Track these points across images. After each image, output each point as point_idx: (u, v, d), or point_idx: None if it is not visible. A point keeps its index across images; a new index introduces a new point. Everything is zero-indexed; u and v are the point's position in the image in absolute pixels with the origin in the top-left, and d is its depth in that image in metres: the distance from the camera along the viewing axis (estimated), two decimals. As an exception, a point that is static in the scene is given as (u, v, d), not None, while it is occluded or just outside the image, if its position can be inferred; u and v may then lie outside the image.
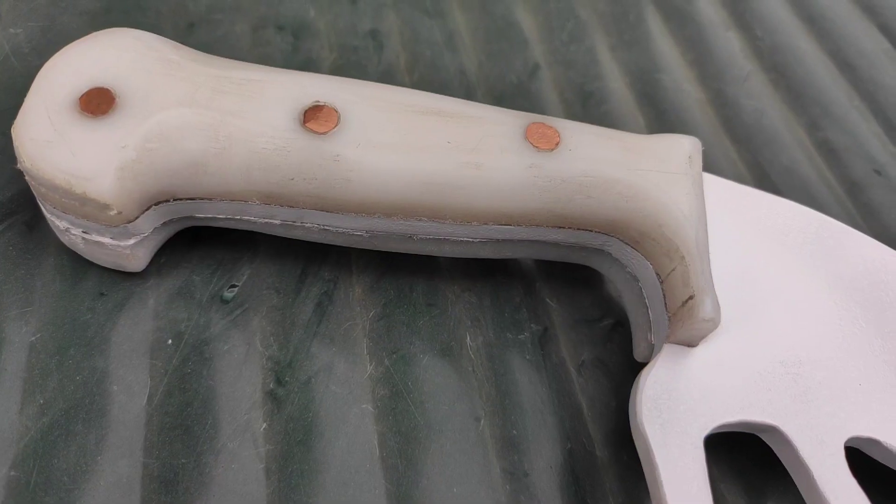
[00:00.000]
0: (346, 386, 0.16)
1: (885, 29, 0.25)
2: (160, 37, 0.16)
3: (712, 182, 0.17)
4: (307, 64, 0.21)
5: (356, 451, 0.15)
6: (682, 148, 0.16)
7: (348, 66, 0.21)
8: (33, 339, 0.15)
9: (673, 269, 0.15)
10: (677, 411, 0.14)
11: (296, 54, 0.21)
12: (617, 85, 0.23)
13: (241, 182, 0.15)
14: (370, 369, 0.17)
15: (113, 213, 0.14)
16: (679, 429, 0.14)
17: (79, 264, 0.16)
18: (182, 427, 0.15)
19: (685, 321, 0.15)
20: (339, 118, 0.15)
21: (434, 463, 0.16)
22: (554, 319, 0.18)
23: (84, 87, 0.15)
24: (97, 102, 0.15)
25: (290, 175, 0.15)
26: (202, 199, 0.15)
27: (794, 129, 0.22)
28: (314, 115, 0.15)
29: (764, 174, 0.21)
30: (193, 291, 0.17)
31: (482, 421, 0.16)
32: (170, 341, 0.16)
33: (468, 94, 0.21)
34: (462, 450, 0.16)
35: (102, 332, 0.16)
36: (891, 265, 0.17)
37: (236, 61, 0.16)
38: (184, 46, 0.16)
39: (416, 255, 0.18)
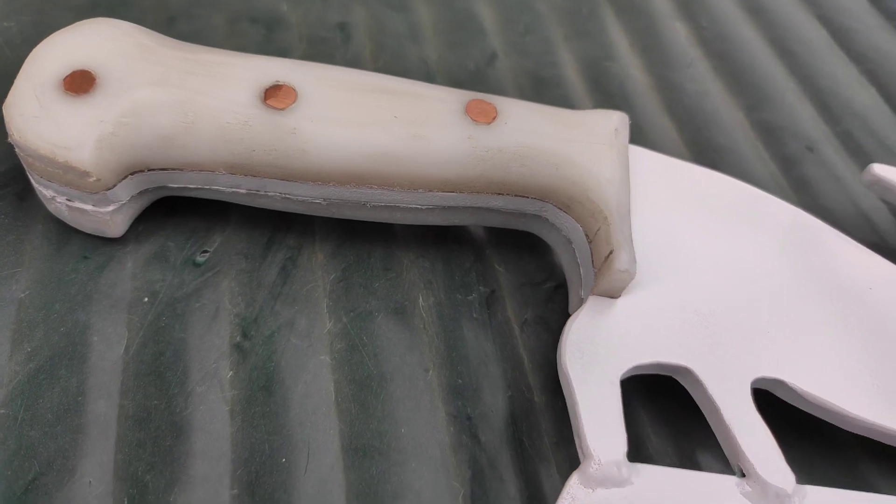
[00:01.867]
0: (306, 339, 0.18)
1: (823, 19, 0.26)
2: (137, 25, 0.18)
3: (642, 154, 0.19)
4: (278, 53, 0.23)
5: (313, 396, 0.17)
6: (609, 122, 0.18)
7: (317, 55, 0.23)
8: (22, 295, 0.17)
9: (598, 229, 0.17)
10: (597, 354, 0.16)
11: (268, 45, 0.23)
12: (569, 72, 0.24)
13: (208, 153, 0.17)
14: (329, 325, 0.18)
15: (92, 179, 0.16)
16: (598, 369, 0.16)
17: (64, 231, 0.18)
18: (155, 373, 0.17)
19: (605, 273, 0.16)
20: (296, 96, 0.17)
21: (384, 407, 0.17)
22: (501, 282, 0.20)
23: (68, 69, 0.17)
24: (79, 83, 0.16)
25: (252, 147, 0.17)
26: (173, 169, 0.17)
27: (733, 110, 0.24)
28: (274, 94, 0.17)
29: (703, 151, 0.23)
30: (168, 256, 0.18)
31: (430, 371, 0.18)
32: (146, 299, 0.18)
33: (428, 80, 0.23)
34: (410, 396, 0.18)
35: (85, 290, 0.17)
36: (803, 224, 0.19)
37: (205, 47, 0.18)
38: (158, 34, 0.18)
39: (374, 224, 0.20)
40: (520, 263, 0.20)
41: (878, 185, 0.20)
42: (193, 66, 0.17)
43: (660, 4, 0.27)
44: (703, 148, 0.23)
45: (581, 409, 0.15)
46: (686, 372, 0.16)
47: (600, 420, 0.15)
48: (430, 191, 0.18)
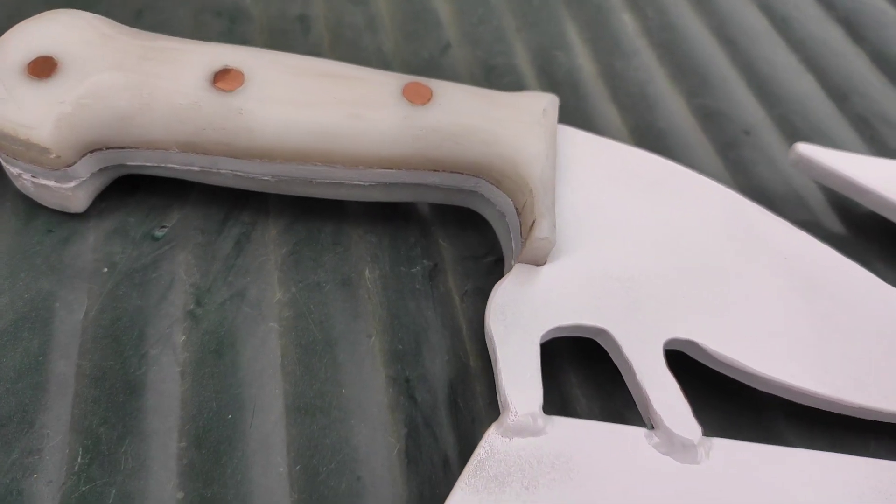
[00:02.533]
0: (256, 308, 0.19)
1: (765, 8, 0.28)
2: (97, 15, 0.19)
3: (573, 134, 0.20)
4: (240, 44, 0.24)
5: (260, 360, 0.18)
6: (538, 103, 0.19)
7: (277, 46, 0.24)
8: (-10, 266, 0.18)
9: (525, 202, 0.18)
10: (519, 316, 0.17)
11: (231, 36, 0.24)
12: (519, 61, 0.25)
13: (162, 132, 0.18)
14: (279, 295, 0.19)
15: (52, 156, 0.17)
16: (519, 329, 0.17)
17: (31, 207, 0.19)
18: (111, 337, 0.18)
19: (528, 242, 0.17)
20: (244, 79, 0.18)
21: (327, 370, 0.18)
22: (444, 256, 0.21)
23: (32, 55, 0.18)
24: (42, 67, 0.18)
25: (201, 126, 0.18)
26: (130, 147, 0.18)
27: (675, 96, 0.25)
28: (223, 77, 0.18)
29: (644, 135, 0.24)
30: (128, 230, 0.20)
31: (373, 338, 0.19)
32: (105, 269, 0.19)
33: (384, 69, 0.24)
34: (353, 360, 0.19)
35: (48, 261, 0.19)
36: (724, 199, 0.20)
37: (161, 35, 0.19)
38: (117, 23, 0.19)
39: (326, 202, 0.21)
40: (462, 238, 0.21)
41: (802, 163, 0.21)
42: (148, 52, 0.18)
43: (609, -4, 0.28)
44: (644, 132, 0.24)
45: (501, 365, 0.16)
46: (604, 333, 0.17)
47: (519, 376, 0.16)
48: (371, 168, 0.19)
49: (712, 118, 0.25)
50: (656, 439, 0.16)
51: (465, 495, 0.15)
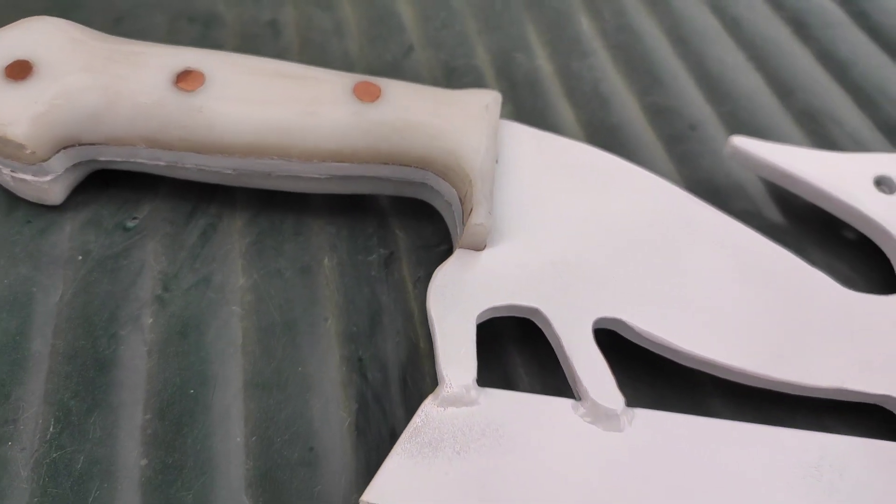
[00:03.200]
0: (219, 293, 0.21)
1: (717, 10, 0.29)
2: (70, 22, 0.21)
3: (517, 129, 0.22)
4: (212, 48, 0.25)
5: (222, 340, 0.20)
6: (480, 100, 0.20)
7: (248, 50, 0.26)
8: (-27, 254, 0.20)
9: (466, 192, 0.20)
10: (458, 297, 0.18)
11: (204, 41, 0.26)
12: (479, 62, 0.27)
13: (128, 129, 0.20)
14: (241, 281, 0.21)
15: (28, 152, 0.19)
16: (457, 309, 0.18)
17: (11, 199, 0.21)
18: (84, 318, 0.19)
19: (466, 228, 0.19)
20: (204, 79, 0.20)
21: (285, 349, 0.20)
22: (400, 245, 0.22)
23: (9, 59, 0.19)
24: (18, 71, 0.19)
25: (165, 123, 0.19)
26: (100, 143, 0.20)
27: (627, 94, 0.26)
28: (184, 78, 0.20)
29: (596, 131, 0.25)
30: (102, 221, 0.21)
31: (329, 320, 0.21)
32: (80, 257, 0.20)
33: (349, 71, 0.26)
34: (309, 341, 0.20)
35: (27, 249, 0.20)
36: (653, 189, 0.21)
37: (129, 39, 0.21)
38: (88, 28, 0.21)
39: (290, 195, 0.23)
40: (417, 229, 0.23)
41: (738, 155, 0.22)
42: (116, 55, 0.20)
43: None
44: (597, 127, 0.25)
45: (439, 342, 0.18)
46: (537, 313, 0.19)
47: (455, 351, 0.18)
48: (324, 161, 0.20)
49: (661, 114, 0.26)
50: (582, 409, 0.18)
51: (401, 459, 0.16)
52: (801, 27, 0.29)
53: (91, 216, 0.21)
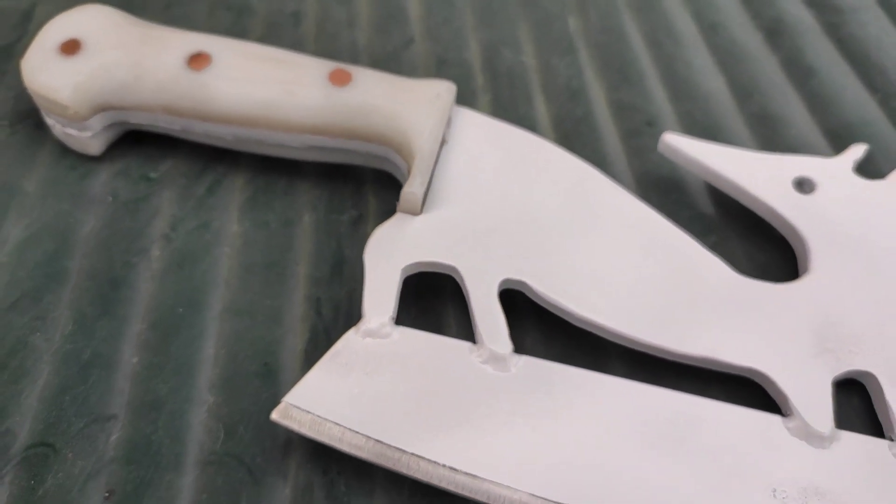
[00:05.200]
0: (216, 236, 0.25)
1: (696, 15, 0.31)
2: (116, 9, 0.26)
3: (470, 115, 0.25)
4: (242, 34, 0.30)
5: (211, 273, 0.24)
6: (434, 88, 0.24)
7: (271, 37, 0.30)
8: (30, 189, 0.25)
9: (411, 166, 0.23)
10: (389, 250, 0.22)
11: (235, 27, 0.30)
12: (469, 56, 0.30)
13: (150, 99, 0.24)
14: (235, 228, 0.26)
15: (71, 112, 0.24)
16: (386, 260, 0.22)
17: (62, 150, 0.26)
18: (106, 246, 0.24)
19: (402, 194, 0.23)
20: (211, 61, 0.24)
21: (260, 286, 0.24)
22: (370, 209, 0.26)
23: (64, 38, 0.25)
24: (70, 47, 0.24)
25: (178, 95, 0.24)
26: (128, 109, 0.25)
27: (596, 90, 0.29)
28: (196, 59, 0.24)
29: (561, 122, 0.28)
30: (130, 172, 0.26)
31: (300, 265, 0.25)
32: (110, 199, 0.26)
33: (353, 58, 0.30)
34: (280, 281, 0.24)
35: (70, 189, 0.26)
36: (575, 172, 0.24)
37: (159, 25, 0.26)
38: (130, 15, 0.26)
39: (286, 161, 0.27)
40: (387, 196, 0.27)
41: (669, 150, 0.25)
42: (146, 38, 0.25)
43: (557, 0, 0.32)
44: (563, 119, 0.28)
45: (367, 284, 0.22)
46: (455, 270, 0.22)
47: (378, 294, 0.22)
48: (303, 133, 0.24)
49: (624, 110, 0.29)
50: (477, 351, 0.21)
51: (320, 373, 0.21)
52: (773, 35, 0.31)
53: (122, 167, 0.26)
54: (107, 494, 0.20)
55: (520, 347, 0.23)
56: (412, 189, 0.22)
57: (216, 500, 0.20)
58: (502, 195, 0.24)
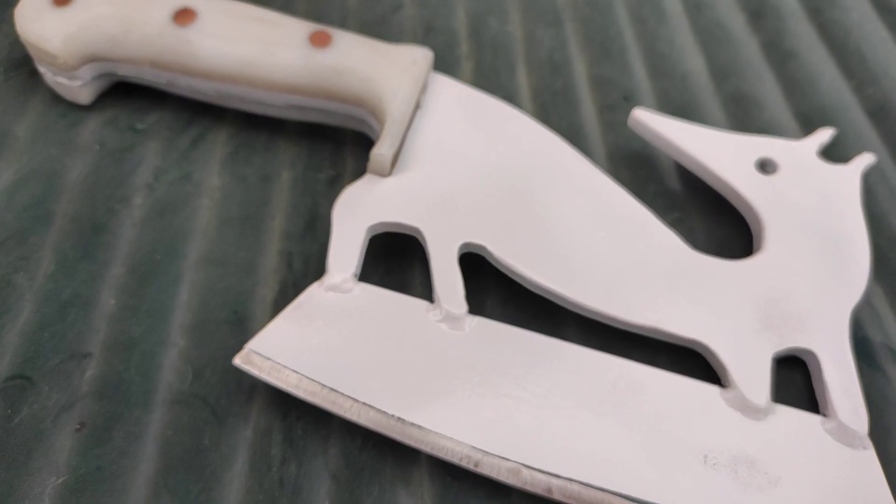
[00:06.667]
0: (196, 188, 0.26)
1: (683, -5, 0.31)
2: (107, -37, 0.26)
3: (446, 82, 0.26)
4: None
5: (190, 223, 0.25)
6: (410, 54, 0.25)
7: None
8: (21, 134, 0.26)
9: (384, 128, 0.24)
10: (356, 209, 0.23)
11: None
12: (455, 24, 0.31)
13: (137, 52, 0.25)
14: (215, 181, 0.26)
15: (60, 61, 0.25)
16: (353, 218, 0.23)
17: (53, 97, 0.27)
18: (90, 193, 0.26)
19: (371, 156, 0.23)
20: (195, 17, 0.25)
21: (234, 237, 0.25)
22: (347, 169, 0.27)
23: (57, -11, 0.25)
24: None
25: (163, 50, 0.25)
26: (116, 61, 0.26)
27: (577, 64, 0.30)
28: (181, 15, 0.25)
29: (540, 94, 0.29)
30: (118, 122, 0.27)
31: (275, 220, 0.26)
32: (97, 147, 0.27)
33: (342, 21, 0.31)
34: (255, 234, 0.25)
35: (59, 136, 0.27)
36: (544, 143, 0.25)
37: (149, -20, 0.26)
38: (121, -30, 0.26)
39: (269, 119, 0.28)
40: (365, 158, 0.27)
41: (638, 126, 0.26)
42: (134, -7, 0.25)
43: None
44: (542, 91, 0.29)
45: (332, 241, 0.23)
46: (418, 231, 0.23)
47: (343, 250, 0.23)
48: (282, 92, 0.25)
49: (602, 84, 0.29)
50: (434, 310, 0.22)
51: (282, 323, 0.22)
52: (757, 16, 0.31)
53: (110, 117, 0.27)
54: (78, 427, 0.21)
55: (479, 309, 0.24)
56: (380, 151, 0.23)
57: (181, 437, 0.21)
58: (469, 162, 0.24)
